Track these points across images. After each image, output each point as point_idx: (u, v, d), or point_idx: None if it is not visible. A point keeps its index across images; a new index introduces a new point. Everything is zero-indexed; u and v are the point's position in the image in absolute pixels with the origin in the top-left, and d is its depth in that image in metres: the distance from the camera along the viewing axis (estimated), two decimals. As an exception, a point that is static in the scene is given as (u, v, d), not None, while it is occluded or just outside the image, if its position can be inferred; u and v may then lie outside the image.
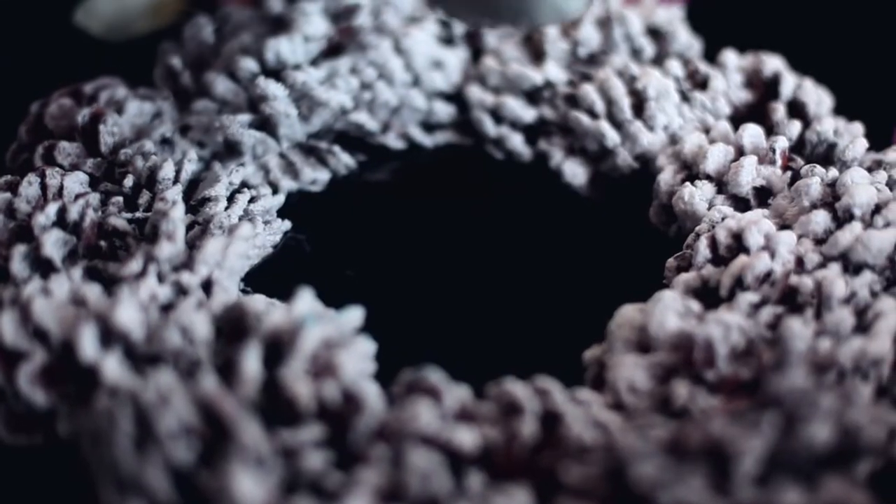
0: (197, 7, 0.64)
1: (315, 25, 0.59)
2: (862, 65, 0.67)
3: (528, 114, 0.60)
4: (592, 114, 0.58)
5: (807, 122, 0.57)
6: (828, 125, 0.56)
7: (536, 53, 0.62)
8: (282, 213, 0.56)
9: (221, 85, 0.58)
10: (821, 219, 0.50)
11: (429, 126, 0.61)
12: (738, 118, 0.59)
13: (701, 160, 0.54)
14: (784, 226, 0.51)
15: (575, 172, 0.58)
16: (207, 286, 0.48)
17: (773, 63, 0.60)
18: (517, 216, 0.57)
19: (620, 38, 0.62)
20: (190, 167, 0.54)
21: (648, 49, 0.62)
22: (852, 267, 0.48)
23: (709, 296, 0.49)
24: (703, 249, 0.50)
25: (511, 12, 0.44)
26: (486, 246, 0.55)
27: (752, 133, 0.55)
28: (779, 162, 0.54)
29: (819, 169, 0.52)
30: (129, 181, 0.52)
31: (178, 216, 0.49)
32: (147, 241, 0.49)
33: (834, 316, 0.45)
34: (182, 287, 0.47)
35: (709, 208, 0.53)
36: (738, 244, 0.50)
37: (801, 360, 0.43)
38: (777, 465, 0.39)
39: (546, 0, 0.43)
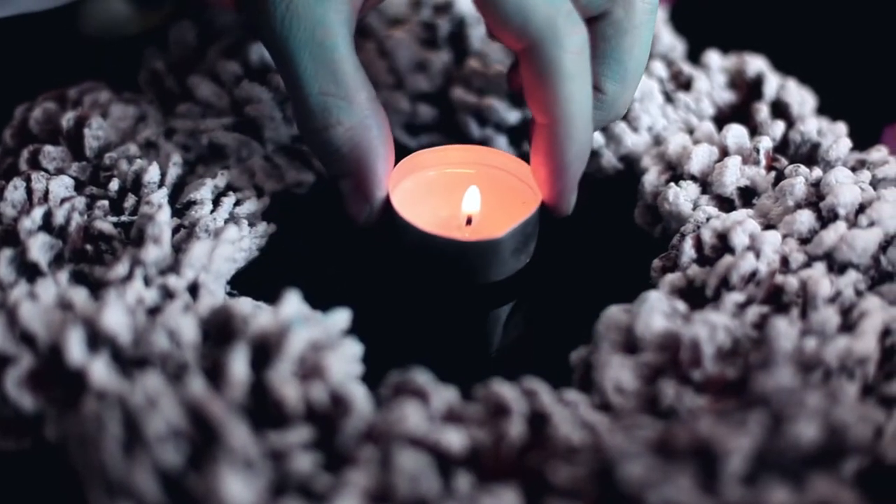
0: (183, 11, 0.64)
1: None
2: (845, 65, 0.68)
3: (512, 115, 0.60)
4: (577, 115, 0.58)
5: (790, 123, 0.57)
6: (811, 125, 0.56)
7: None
8: (267, 215, 0.56)
9: (205, 88, 0.58)
10: (805, 218, 0.50)
11: (413, 128, 0.61)
12: (722, 119, 0.59)
13: (685, 161, 0.54)
14: (769, 226, 0.51)
15: (560, 174, 0.58)
16: (194, 289, 0.48)
17: (756, 64, 0.60)
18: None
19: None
20: (175, 170, 0.54)
21: (632, 50, 0.62)
22: (837, 266, 0.48)
23: (694, 296, 0.49)
24: (688, 250, 0.50)
25: (481, 274, 0.52)
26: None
27: (736, 133, 0.55)
28: (763, 162, 0.54)
29: (803, 169, 0.53)
30: (114, 185, 0.52)
31: (164, 219, 0.49)
32: (133, 245, 0.49)
33: (819, 315, 0.46)
34: (169, 290, 0.47)
35: (693, 209, 0.53)
36: (724, 244, 0.50)
37: (787, 360, 0.43)
38: (764, 465, 0.39)
39: (503, 265, 0.51)
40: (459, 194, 0.53)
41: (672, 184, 0.54)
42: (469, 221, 0.53)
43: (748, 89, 0.60)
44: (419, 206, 0.52)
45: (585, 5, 0.51)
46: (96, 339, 0.43)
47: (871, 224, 0.49)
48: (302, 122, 0.50)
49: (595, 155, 0.58)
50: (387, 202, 0.51)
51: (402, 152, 0.60)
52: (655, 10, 0.52)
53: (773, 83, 0.59)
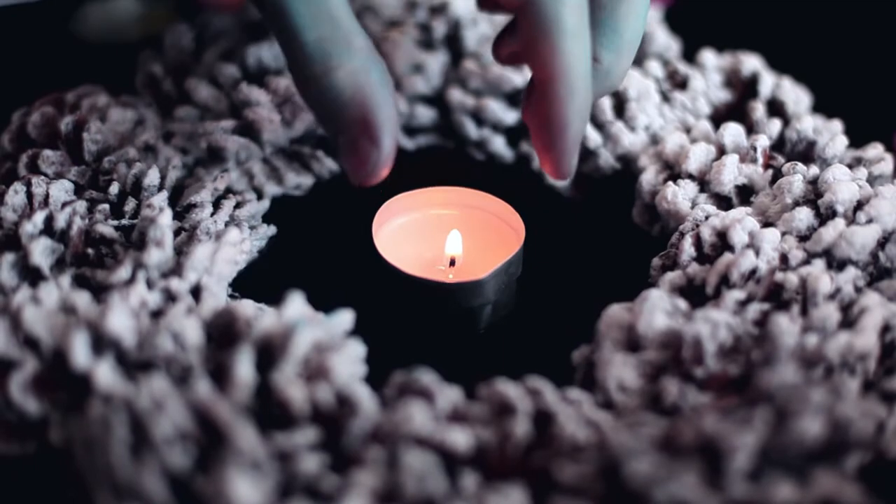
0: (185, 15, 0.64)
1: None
2: (840, 63, 0.68)
3: (509, 116, 0.60)
4: (574, 115, 0.58)
5: (786, 121, 0.57)
6: (807, 123, 0.56)
7: (516, 56, 0.62)
8: (267, 217, 0.56)
9: (203, 91, 0.58)
10: (804, 216, 0.50)
11: (410, 129, 0.62)
12: (718, 117, 0.59)
13: (683, 160, 0.55)
14: (767, 223, 0.51)
15: (557, 174, 0.58)
16: (196, 292, 0.48)
17: (751, 62, 0.61)
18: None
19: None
20: (174, 174, 0.54)
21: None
22: (836, 263, 0.48)
23: (695, 294, 0.49)
24: (687, 248, 0.51)
25: (465, 313, 0.52)
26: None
27: (732, 132, 0.55)
28: (760, 160, 0.54)
29: (800, 166, 0.53)
30: (114, 188, 0.52)
31: (166, 222, 0.49)
32: (135, 248, 0.49)
33: (820, 312, 0.46)
34: (171, 293, 0.47)
35: (692, 207, 0.53)
36: (723, 242, 0.50)
37: (789, 356, 0.43)
38: (769, 461, 0.39)
39: (486, 304, 0.52)
40: (443, 236, 0.54)
41: (670, 182, 0.54)
42: (452, 263, 0.53)
43: (744, 88, 0.60)
44: (404, 249, 0.53)
45: None
46: (100, 342, 0.43)
47: (870, 221, 0.49)
48: (300, 70, 0.48)
49: (592, 155, 0.58)
50: (370, 244, 0.51)
51: (399, 154, 0.60)
52: None
53: (769, 82, 0.60)
